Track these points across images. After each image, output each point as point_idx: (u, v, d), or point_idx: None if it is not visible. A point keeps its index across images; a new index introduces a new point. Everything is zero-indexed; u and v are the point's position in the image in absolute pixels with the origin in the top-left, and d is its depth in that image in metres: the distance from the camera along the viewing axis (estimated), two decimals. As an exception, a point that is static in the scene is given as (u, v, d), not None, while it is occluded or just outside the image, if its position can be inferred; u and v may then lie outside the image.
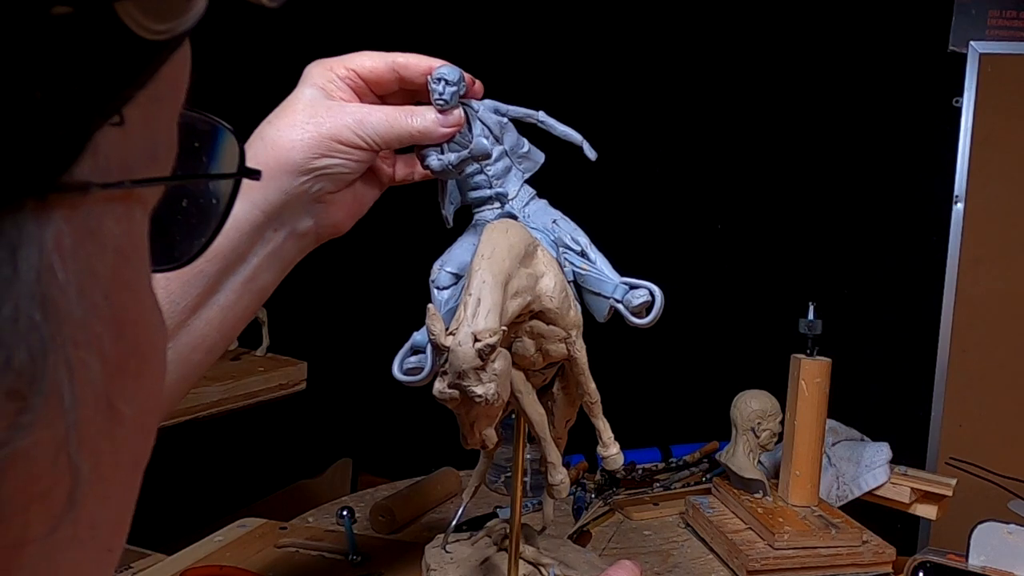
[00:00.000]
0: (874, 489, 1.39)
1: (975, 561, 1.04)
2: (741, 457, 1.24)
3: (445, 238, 0.79)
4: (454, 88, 0.71)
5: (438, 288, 0.73)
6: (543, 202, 0.78)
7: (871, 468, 1.39)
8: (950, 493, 1.36)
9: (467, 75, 0.71)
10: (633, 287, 0.70)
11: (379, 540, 1.14)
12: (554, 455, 0.75)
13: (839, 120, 2.02)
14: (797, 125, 2.04)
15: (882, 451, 1.41)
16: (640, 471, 1.47)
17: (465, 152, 0.72)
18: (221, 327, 0.65)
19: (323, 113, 0.64)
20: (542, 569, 0.86)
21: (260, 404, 1.58)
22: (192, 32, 0.24)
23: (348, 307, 2.37)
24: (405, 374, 0.69)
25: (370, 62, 0.68)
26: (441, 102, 0.71)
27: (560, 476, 0.76)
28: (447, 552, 0.88)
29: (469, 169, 0.74)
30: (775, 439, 1.24)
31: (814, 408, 1.21)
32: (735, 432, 1.25)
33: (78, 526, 0.23)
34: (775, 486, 1.25)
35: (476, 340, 0.57)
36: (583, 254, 0.73)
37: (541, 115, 0.76)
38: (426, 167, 0.74)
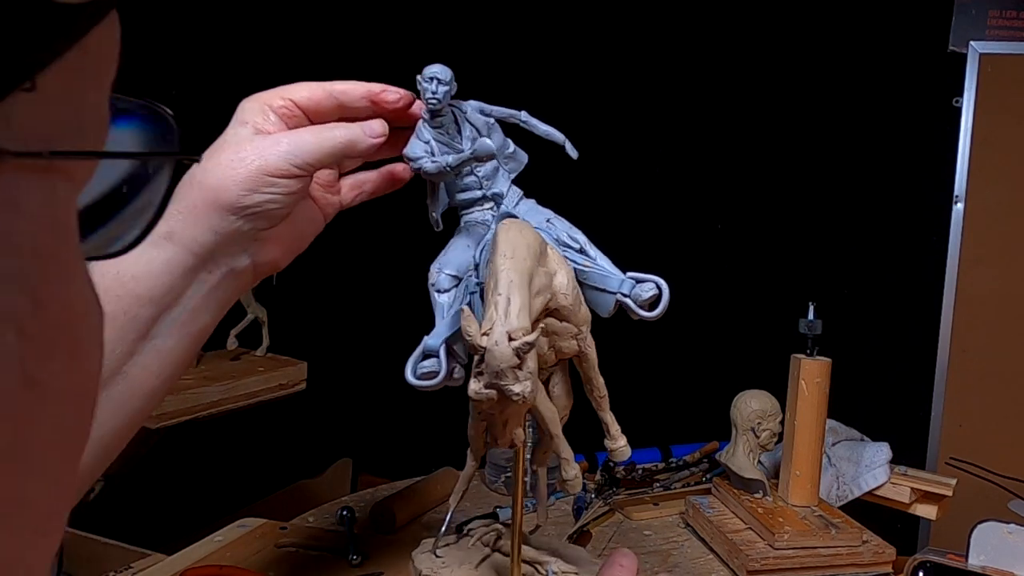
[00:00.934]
0: (874, 489, 1.39)
1: (975, 561, 1.04)
2: (741, 457, 1.24)
3: (440, 239, 0.79)
4: (447, 88, 0.71)
5: (439, 291, 0.73)
6: (532, 202, 0.78)
7: (871, 468, 1.39)
8: (950, 493, 1.36)
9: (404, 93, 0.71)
10: (640, 281, 0.71)
11: (379, 540, 1.15)
12: (567, 451, 0.75)
13: (839, 120, 2.02)
14: (797, 125, 2.04)
15: (882, 451, 1.41)
16: (640, 471, 1.47)
17: (467, 153, 0.72)
18: (160, 371, 0.62)
19: (250, 148, 0.64)
20: (539, 567, 0.86)
21: (260, 404, 1.58)
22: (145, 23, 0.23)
23: (348, 307, 2.37)
24: (419, 379, 0.68)
25: (307, 91, 0.68)
26: (434, 101, 0.71)
27: (574, 471, 0.76)
28: (438, 556, 0.88)
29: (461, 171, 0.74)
30: (775, 439, 1.24)
31: (814, 408, 1.21)
32: (735, 432, 1.25)
33: None
34: (775, 486, 1.25)
35: (511, 339, 0.58)
36: (582, 251, 0.73)
37: (523, 115, 0.76)
38: (420, 171, 0.73)
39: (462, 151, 0.74)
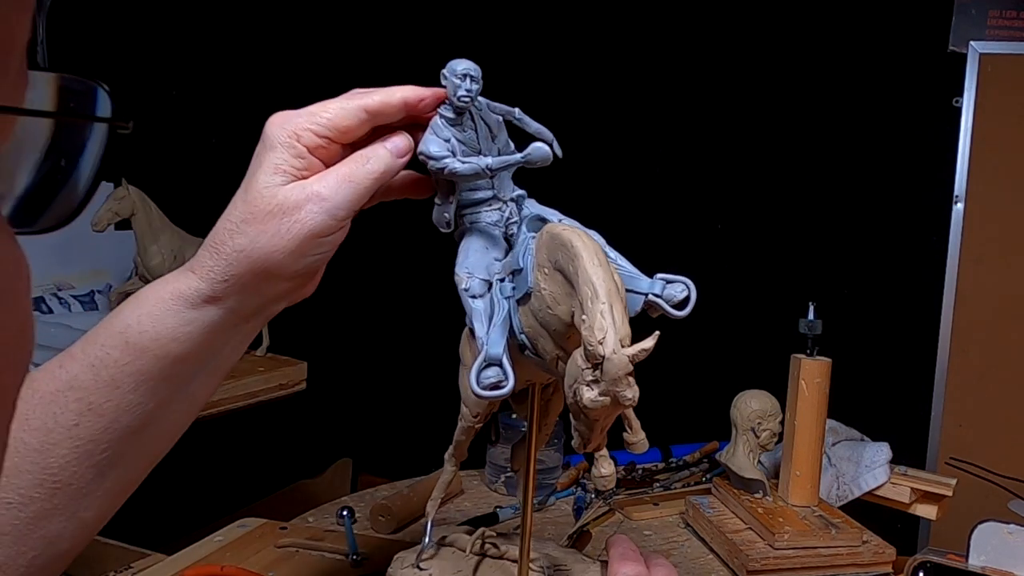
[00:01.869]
0: (874, 489, 1.39)
1: (975, 561, 1.04)
2: (741, 457, 1.24)
3: (439, 239, 0.78)
4: (479, 86, 0.69)
5: (473, 297, 0.70)
6: (532, 201, 0.77)
7: (871, 468, 1.39)
8: (950, 493, 1.36)
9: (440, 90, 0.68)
10: (670, 282, 0.70)
11: (379, 540, 1.15)
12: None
13: (839, 120, 2.02)
14: (797, 125, 2.04)
15: (882, 451, 1.41)
16: (640, 471, 1.47)
17: (519, 158, 0.69)
18: (190, 409, 0.63)
19: (295, 212, 0.59)
20: (532, 565, 0.85)
21: (260, 404, 1.58)
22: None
23: (348, 307, 2.37)
24: (485, 389, 0.67)
25: (340, 117, 0.62)
26: (467, 99, 0.69)
27: (609, 469, 0.75)
28: (422, 569, 0.86)
29: None
30: (775, 439, 1.24)
31: (814, 408, 1.21)
32: (735, 432, 1.25)
33: None
34: (775, 486, 1.25)
35: (622, 346, 0.59)
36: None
37: (517, 112, 0.75)
38: (444, 171, 0.70)
39: (480, 151, 0.72)
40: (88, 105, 0.32)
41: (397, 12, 2.26)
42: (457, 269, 0.72)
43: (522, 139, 0.76)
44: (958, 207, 1.96)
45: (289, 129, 0.60)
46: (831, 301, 1.32)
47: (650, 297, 0.70)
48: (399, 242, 2.25)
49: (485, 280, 0.71)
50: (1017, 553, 1.02)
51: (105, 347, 0.57)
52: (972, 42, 1.93)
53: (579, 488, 1.38)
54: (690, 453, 1.54)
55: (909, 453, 1.51)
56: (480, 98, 0.73)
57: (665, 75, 2.12)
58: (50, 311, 1.59)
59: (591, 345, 0.58)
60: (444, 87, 0.71)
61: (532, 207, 0.77)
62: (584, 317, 0.60)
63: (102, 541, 1.19)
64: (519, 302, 0.69)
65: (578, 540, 1.18)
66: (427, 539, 0.87)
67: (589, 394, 0.59)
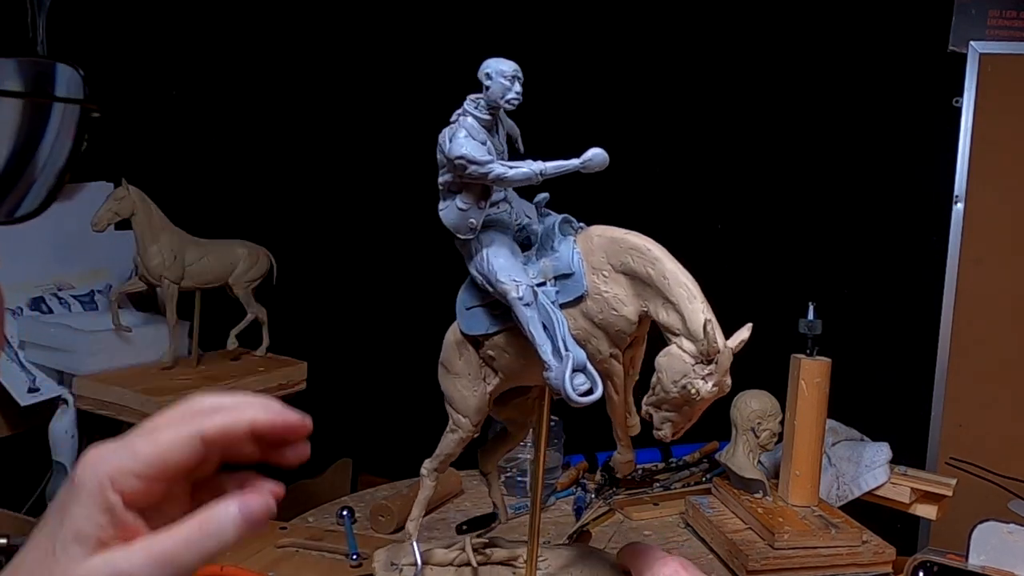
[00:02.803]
0: (874, 489, 1.39)
1: (975, 561, 1.03)
2: (741, 457, 1.24)
3: (440, 240, 0.77)
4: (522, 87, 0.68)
5: (527, 305, 0.69)
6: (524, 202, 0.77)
7: (871, 468, 1.39)
8: (950, 493, 1.36)
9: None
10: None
11: (379, 540, 1.14)
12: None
13: (839, 120, 2.02)
14: (797, 125, 2.04)
15: (882, 451, 1.41)
16: (640, 471, 1.47)
17: (576, 163, 0.68)
18: None
19: None
20: (515, 564, 0.85)
21: (260, 404, 1.57)
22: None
23: (348, 307, 2.37)
24: (582, 396, 0.66)
25: (171, 455, 0.46)
26: (518, 101, 0.68)
27: (628, 456, 0.78)
28: None
29: None
30: (775, 439, 1.24)
31: (814, 408, 1.21)
32: (735, 432, 1.25)
33: None
34: (775, 486, 1.25)
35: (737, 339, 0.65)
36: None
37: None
38: (488, 176, 0.68)
39: (503, 153, 0.71)
40: (48, 85, 0.31)
41: (396, 11, 2.26)
42: (500, 277, 0.69)
43: (531, 144, 0.76)
44: (958, 207, 1.96)
45: (101, 473, 0.44)
46: (831, 301, 1.32)
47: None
48: (398, 243, 2.25)
49: (531, 287, 0.69)
50: (1017, 553, 1.02)
51: None
52: (972, 42, 1.93)
53: (579, 488, 1.38)
54: (690, 453, 1.54)
55: (909, 453, 1.51)
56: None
57: (665, 75, 2.12)
58: (50, 311, 1.59)
59: (704, 342, 0.62)
60: (488, 87, 0.68)
61: (524, 207, 0.76)
62: (686, 316, 0.64)
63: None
64: (562, 306, 0.69)
65: (578, 540, 1.18)
66: (418, 564, 0.84)
67: (706, 386, 0.64)
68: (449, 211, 0.72)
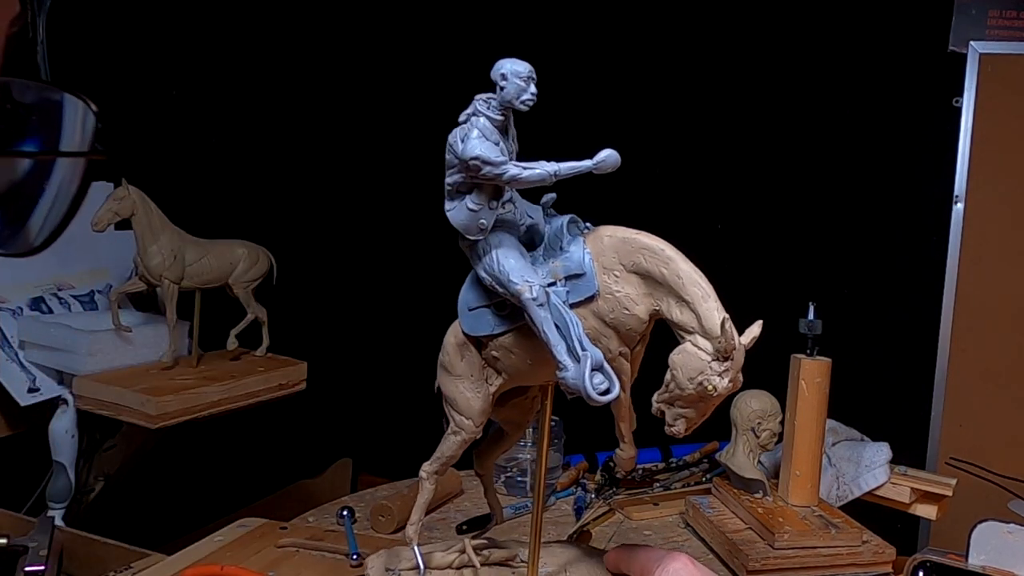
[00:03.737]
0: (874, 489, 1.39)
1: (975, 561, 1.04)
2: (741, 457, 1.24)
3: (440, 240, 0.77)
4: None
5: (540, 305, 0.68)
6: (523, 201, 0.77)
7: (871, 468, 1.39)
8: (950, 493, 1.36)
9: None
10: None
11: (379, 540, 1.14)
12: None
13: (839, 120, 2.02)
14: (797, 125, 2.04)
15: (882, 451, 1.41)
16: (640, 471, 1.47)
17: (590, 164, 0.68)
18: None
19: None
20: (512, 563, 0.85)
21: (260, 404, 1.57)
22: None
23: (348, 307, 2.37)
24: (601, 395, 0.66)
25: None
26: (532, 102, 0.67)
27: (630, 453, 0.78)
28: None
29: None
30: (775, 439, 1.24)
31: (814, 408, 1.21)
32: (735, 432, 1.25)
33: None
34: (775, 486, 1.25)
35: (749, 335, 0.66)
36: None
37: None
38: (502, 178, 0.68)
39: (512, 154, 0.70)
40: (55, 116, 0.30)
41: (399, 11, 2.26)
42: (512, 278, 0.69)
43: (529, 143, 0.76)
44: (958, 207, 1.96)
45: None
46: (831, 301, 1.32)
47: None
48: (398, 243, 2.25)
49: (543, 287, 0.69)
50: (1017, 553, 1.02)
51: None
52: (972, 42, 1.93)
53: (579, 488, 1.39)
54: (690, 453, 1.54)
55: (909, 453, 1.51)
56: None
57: (665, 75, 2.12)
58: (50, 311, 1.59)
59: (722, 339, 0.64)
60: (503, 88, 0.68)
61: (525, 206, 0.76)
62: (702, 315, 0.65)
63: (102, 541, 1.19)
64: (572, 306, 0.69)
65: (578, 540, 1.18)
66: (421, 568, 0.83)
67: (722, 383, 0.65)
68: (458, 212, 0.71)
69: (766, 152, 2.08)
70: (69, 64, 1.61)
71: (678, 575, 0.66)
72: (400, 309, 2.29)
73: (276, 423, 2.06)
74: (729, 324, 0.64)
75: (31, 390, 1.48)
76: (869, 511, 1.35)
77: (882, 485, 1.38)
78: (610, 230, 0.71)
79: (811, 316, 1.21)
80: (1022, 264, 1.93)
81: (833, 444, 1.45)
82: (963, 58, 1.93)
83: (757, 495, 1.22)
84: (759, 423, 1.22)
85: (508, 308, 0.72)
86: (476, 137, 0.67)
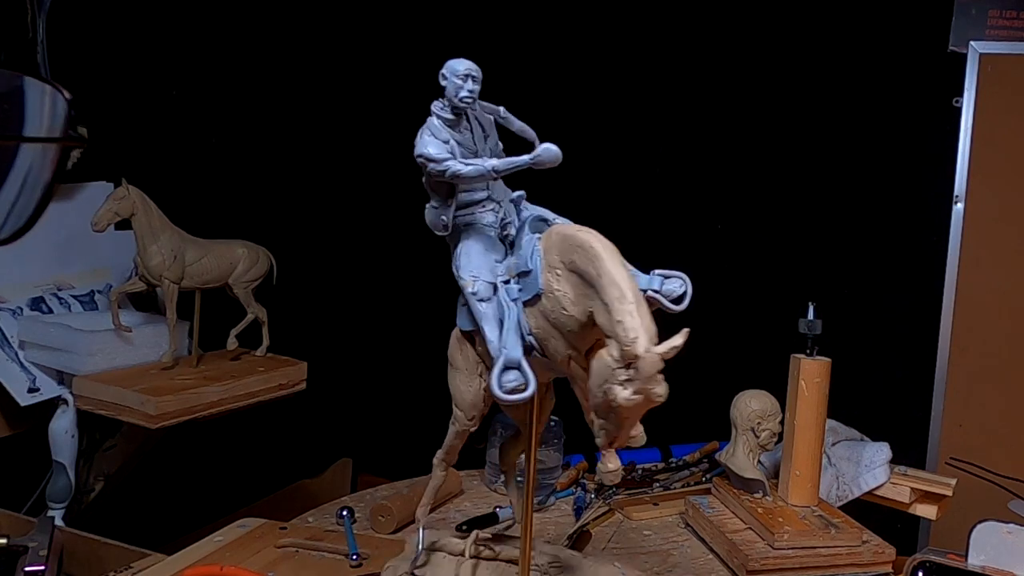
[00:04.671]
0: (874, 489, 1.39)
1: (975, 561, 1.04)
2: (741, 457, 1.24)
3: (441, 240, 0.78)
4: (479, 86, 0.69)
5: (481, 300, 0.70)
6: (526, 202, 0.77)
7: (871, 468, 1.39)
8: (950, 493, 1.36)
9: None
10: (668, 277, 0.71)
11: (379, 540, 1.15)
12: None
13: (839, 120, 2.02)
14: (797, 125, 2.04)
15: (882, 451, 1.41)
16: (640, 471, 1.47)
17: (527, 160, 0.69)
18: None
19: None
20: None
21: (260, 404, 1.58)
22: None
23: (348, 307, 2.37)
24: (508, 393, 0.66)
25: None
26: (470, 100, 0.69)
27: (614, 465, 0.74)
28: None
29: None
30: (775, 439, 1.24)
31: (814, 408, 1.21)
32: (735, 432, 1.25)
33: None
34: (775, 486, 1.25)
35: (653, 345, 0.59)
36: None
37: (502, 111, 0.75)
38: (445, 174, 0.70)
39: (476, 152, 0.72)
40: (17, 101, 0.30)
41: (395, 11, 2.26)
42: (462, 273, 0.71)
43: (506, 138, 0.76)
44: (958, 207, 1.96)
45: None
46: (831, 301, 1.32)
47: (649, 293, 0.70)
48: (399, 243, 2.25)
49: (491, 283, 0.71)
50: (1017, 553, 1.02)
51: None
52: (972, 42, 1.93)
53: (579, 488, 1.39)
54: (690, 453, 1.54)
55: (909, 453, 1.51)
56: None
57: (665, 75, 2.12)
58: (50, 311, 1.59)
59: (626, 345, 0.58)
60: (444, 87, 0.71)
61: (528, 208, 0.77)
62: (613, 317, 0.60)
63: (102, 541, 1.19)
64: (526, 304, 0.69)
65: (578, 540, 1.18)
66: (419, 546, 0.86)
67: (624, 393, 0.59)
68: (428, 210, 0.75)
69: (766, 152, 2.08)
70: (69, 64, 1.61)
71: None
72: (400, 309, 2.29)
73: (276, 423, 2.06)
74: (634, 331, 0.59)
75: (31, 390, 1.48)
76: (869, 511, 1.35)
77: (882, 485, 1.38)
78: (560, 227, 0.70)
79: (811, 316, 1.22)
80: (1022, 264, 1.93)
81: (833, 444, 1.45)
82: (963, 58, 1.93)
83: (757, 495, 1.22)
84: (759, 423, 1.22)
85: None
86: (426, 136, 0.70)
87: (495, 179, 0.72)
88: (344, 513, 1.20)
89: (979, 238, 1.95)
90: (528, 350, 0.69)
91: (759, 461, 1.25)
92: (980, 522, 1.05)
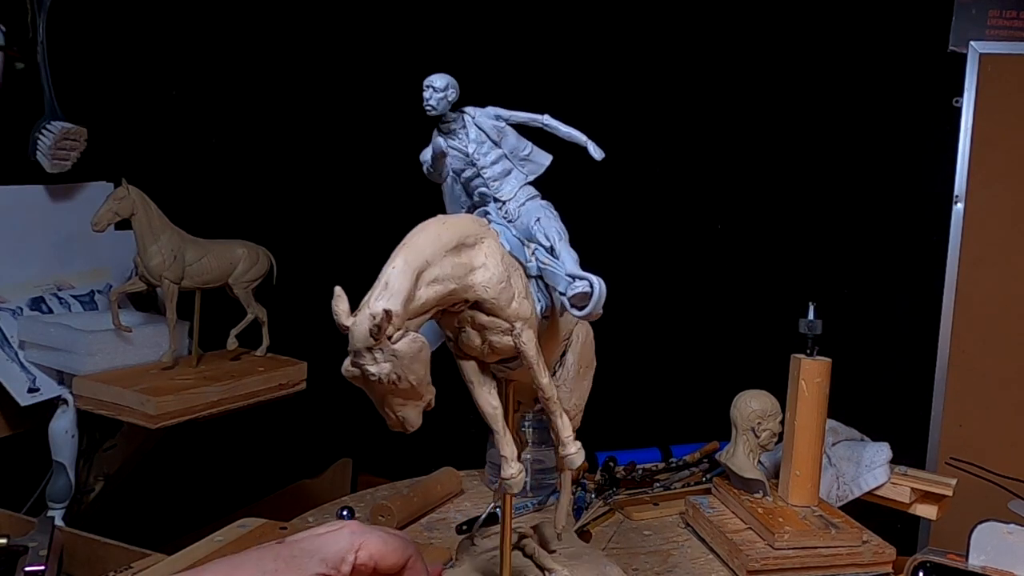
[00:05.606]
0: (874, 489, 1.39)
1: (975, 561, 1.04)
2: (741, 457, 1.24)
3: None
4: (441, 95, 0.73)
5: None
6: (540, 202, 0.78)
7: (871, 468, 1.39)
8: (950, 493, 1.36)
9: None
10: (575, 279, 0.70)
11: (379, 540, 1.14)
12: (508, 449, 0.74)
13: (839, 120, 2.02)
14: (797, 125, 2.04)
15: (882, 451, 1.41)
16: (640, 471, 1.47)
17: (428, 153, 0.77)
18: None
19: None
20: (548, 574, 0.87)
21: (260, 404, 1.58)
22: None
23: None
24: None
25: (392, 558, 0.60)
26: (428, 107, 0.74)
27: (511, 470, 0.75)
28: (474, 545, 0.92)
29: (467, 173, 0.77)
30: (775, 439, 1.24)
31: (814, 408, 1.21)
32: (735, 432, 1.25)
33: None
34: (775, 486, 1.25)
35: (372, 319, 0.59)
36: (551, 250, 0.73)
37: (546, 118, 0.78)
38: (426, 165, 0.78)
39: (471, 155, 0.77)
40: None
41: (395, 12, 2.26)
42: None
43: (555, 144, 0.78)
44: (958, 207, 1.96)
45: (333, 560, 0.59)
46: (831, 301, 1.32)
47: (558, 295, 0.72)
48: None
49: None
50: (1017, 553, 1.02)
51: None
52: (972, 42, 1.93)
53: (579, 488, 1.38)
54: (690, 453, 1.54)
55: (909, 453, 1.51)
56: (470, 108, 0.77)
57: (665, 75, 2.12)
58: (50, 311, 1.59)
59: (336, 314, 0.61)
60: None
61: (534, 208, 0.78)
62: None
63: (102, 541, 1.19)
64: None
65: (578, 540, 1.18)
66: (482, 517, 0.97)
67: (345, 363, 0.62)
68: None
69: (766, 152, 2.08)
70: (69, 64, 1.61)
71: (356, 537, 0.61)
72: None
73: (276, 423, 2.06)
74: (367, 303, 0.61)
75: (31, 390, 1.48)
76: (869, 511, 1.35)
77: (882, 485, 1.38)
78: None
79: (811, 316, 1.21)
80: (1022, 264, 1.93)
81: (833, 444, 1.45)
82: (963, 58, 1.93)
83: (757, 495, 1.22)
84: (759, 423, 1.22)
85: None
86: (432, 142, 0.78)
87: (437, 174, 0.78)
88: (344, 513, 1.20)
89: (979, 238, 1.95)
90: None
91: (759, 461, 1.25)
92: (980, 522, 1.04)
